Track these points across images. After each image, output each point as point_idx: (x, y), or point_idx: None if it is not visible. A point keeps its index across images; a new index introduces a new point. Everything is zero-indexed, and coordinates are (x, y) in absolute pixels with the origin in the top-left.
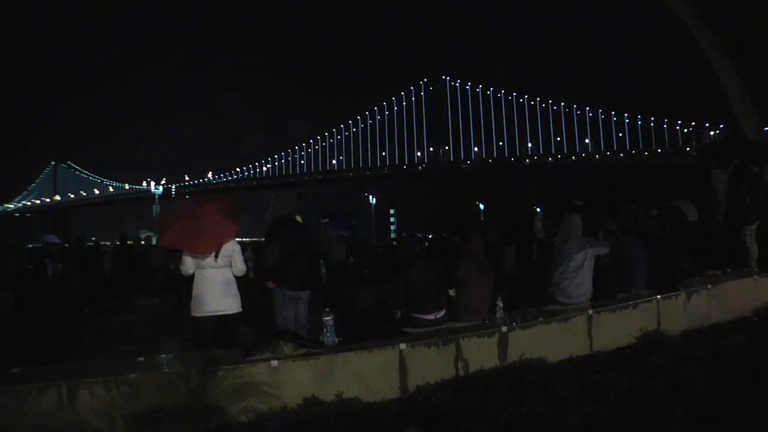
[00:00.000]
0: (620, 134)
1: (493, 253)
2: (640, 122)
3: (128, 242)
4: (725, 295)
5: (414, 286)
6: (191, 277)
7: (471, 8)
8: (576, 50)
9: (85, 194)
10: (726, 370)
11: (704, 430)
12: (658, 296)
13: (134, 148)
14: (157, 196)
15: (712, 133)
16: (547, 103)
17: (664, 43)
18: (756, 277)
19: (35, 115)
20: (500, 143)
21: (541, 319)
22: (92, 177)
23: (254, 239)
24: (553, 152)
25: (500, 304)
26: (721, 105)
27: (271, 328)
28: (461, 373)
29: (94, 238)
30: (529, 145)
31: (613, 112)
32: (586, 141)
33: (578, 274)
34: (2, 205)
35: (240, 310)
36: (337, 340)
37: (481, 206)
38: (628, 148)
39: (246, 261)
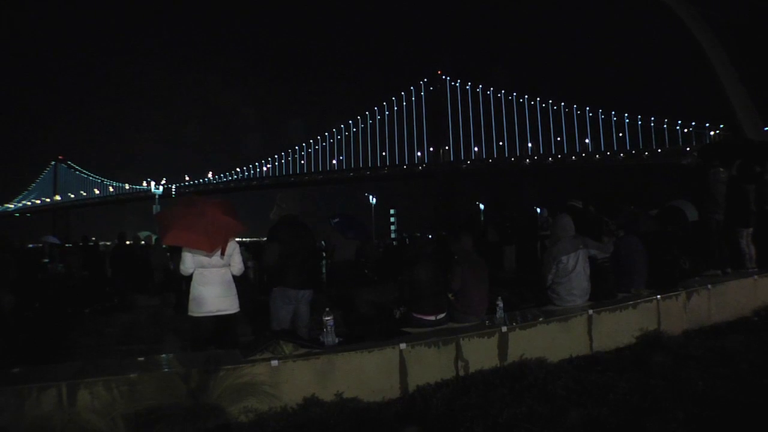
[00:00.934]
0: (620, 134)
1: (493, 253)
2: (640, 122)
3: (127, 242)
4: (725, 295)
5: (417, 286)
6: (190, 277)
7: (471, 8)
8: (576, 50)
9: (85, 194)
10: (726, 370)
11: (704, 430)
12: (658, 296)
13: (134, 148)
14: (157, 196)
15: (712, 133)
16: (547, 103)
17: (664, 43)
18: (756, 277)
19: (35, 115)
20: (500, 143)
21: (541, 319)
22: (92, 177)
23: (254, 239)
24: (553, 152)
25: (500, 304)
26: (721, 105)
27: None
28: (461, 373)
29: (94, 238)
30: (529, 145)
31: (613, 112)
32: (586, 141)
33: (572, 278)
34: (2, 205)
35: (239, 310)
36: (337, 340)
37: (482, 206)
38: (628, 148)
39: (245, 261)
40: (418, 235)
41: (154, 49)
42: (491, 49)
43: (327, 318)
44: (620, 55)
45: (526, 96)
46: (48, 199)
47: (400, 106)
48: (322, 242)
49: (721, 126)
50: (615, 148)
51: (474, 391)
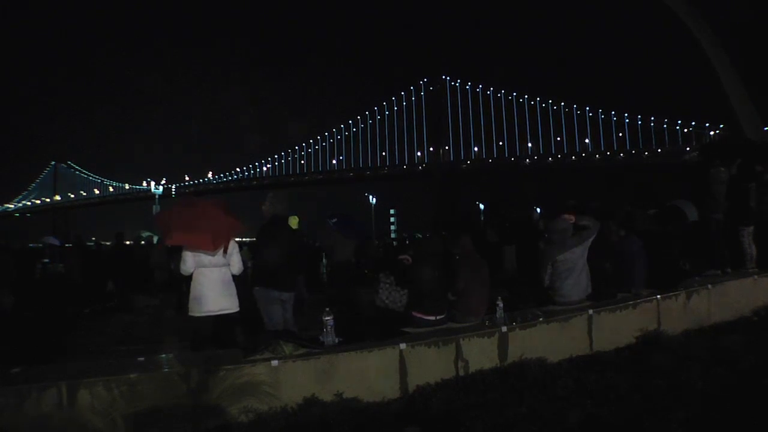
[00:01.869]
0: (620, 134)
1: (493, 253)
2: (640, 122)
3: (126, 242)
4: (725, 295)
5: (420, 285)
6: (191, 277)
7: (471, 8)
8: (576, 50)
9: (85, 194)
10: (726, 370)
11: (705, 430)
12: (658, 296)
13: (134, 148)
14: (157, 196)
15: (712, 133)
16: (547, 103)
17: (664, 43)
18: (756, 277)
19: (35, 115)
20: (500, 143)
21: (541, 319)
22: (92, 177)
23: (253, 239)
24: (553, 152)
25: (500, 304)
26: (721, 105)
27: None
28: (461, 373)
29: (94, 238)
30: (529, 145)
31: (613, 112)
32: (586, 141)
33: (572, 274)
34: (2, 205)
35: (239, 309)
36: (337, 340)
37: (481, 206)
38: (628, 148)
39: (245, 261)
40: (420, 236)
41: (154, 49)
42: (491, 49)
43: (327, 318)
44: (620, 55)
45: (526, 96)
46: (48, 199)
47: (400, 106)
48: (316, 243)
49: (721, 126)
50: (615, 148)
51: (474, 391)
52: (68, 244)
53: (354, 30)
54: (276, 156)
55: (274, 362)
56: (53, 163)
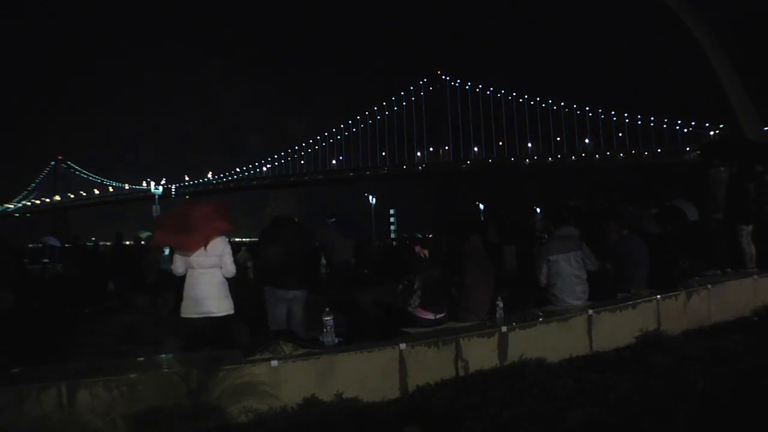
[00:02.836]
0: (620, 134)
1: (492, 253)
2: (640, 122)
3: (125, 242)
4: (725, 295)
5: (422, 285)
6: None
7: (471, 8)
8: (576, 50)
9: (85, 194)
10: (726, 370)
11: (704, 430)
12: (658, 296)
13: (134, 148)
14: (157, 196)
15: (712, 133)
16: (547, 103)
17: (663, 43)
18: (756, 277)
19: (35, 115)
20: (500, 143)
21: (541, 319)
22: (92, 177)
23: (253, 240)
24: (553, 152)
25: (500, 304)
26: (721, 105)
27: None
28: (461, 373)
29: (93, 238)
30: (529, 145)
31: (613, 112)
32: (586, 141)
33: (565, 279)
34: (2, 205)
35: (232, 312)
36: (337, 340)
37: (481, 206)
38: (628, 148)
39: (245, 261)
40: (420, 236)
41: (154, 49)
42: (491, 49)
43: (327, 318)
44: (620, 55)
45: (526, 96)
46: (48, 199)
47: (400, 106)
48: (316, 242)
49: (721, 126)
50: (615, 148)
51: (474, 391)
52: (68, 244)
53: (354, 30)
54: (276, 156)
55: (274, 362)
56: (53, 163)
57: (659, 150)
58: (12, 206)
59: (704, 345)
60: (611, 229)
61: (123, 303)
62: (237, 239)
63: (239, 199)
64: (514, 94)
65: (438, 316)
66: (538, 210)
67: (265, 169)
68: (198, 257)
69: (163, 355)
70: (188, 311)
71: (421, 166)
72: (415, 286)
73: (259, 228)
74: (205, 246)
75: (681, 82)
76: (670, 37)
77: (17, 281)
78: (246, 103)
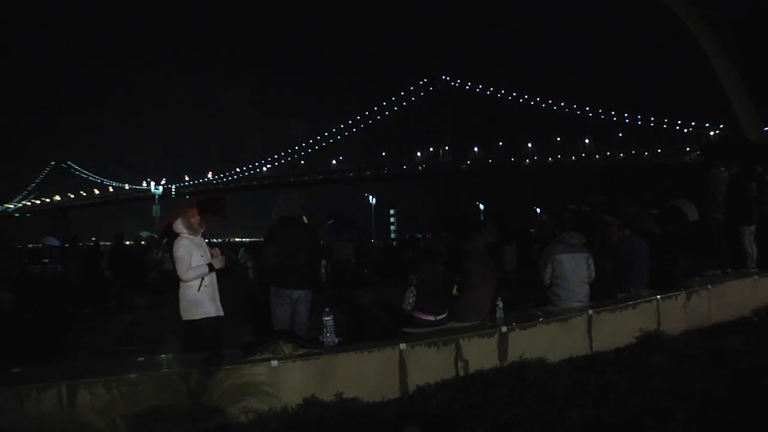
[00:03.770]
0: (620, 134)
1: (492, 253)
2: (640, 122)
3: (125, 242)
4: (725, 295)
5: (422, 285)
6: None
7: (471, 8)
8: (576, 50)
9: (85, 194)
10: (726, 370)
11: (704, 430)
12: (658, 296)
13: (134, 148)
14: (157, 196)
15: (712, 133)
16: (547, 103)
17: (663, 43)
18: (756, 277)
19: (35, 115)
20: (500, 143)
21: (541, 319)
22: (92, 177)
23: (253, 239)
24: (553, 152)
25: (500, 304)
26: (721, 105)
27: (271, 328)
28: (461, 373)
29: (93, 238)
30: (529, 145)
31: (613, 112)
32: (586, 141)
33: (569, 279)
34: (2, 205)
35: (221, 314)
36: (337, 340)
37: (481, 206)
38: (628, 148)
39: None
40: (420, 236)
41: (154, 49)
42: (491, 49)
43: (327, 318)
44: (620, 55)
45: (526, 96)
46: (48, 199)
47: (400, 106)
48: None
49: (721, 126)
50: (615, 148)
51: (474, 391)
52: (67, 244)
53: (354, 30)
54: (276, 156)
55: (274, 362)
56: (53, 163)
57: (659, 150)
58: (12, 206)
59: (704, 345)
60: (612, 228)
61: (123, 303)
62: (237, 239)
63: (240, 199)
64: (514, 94)
65: (439, 318)
66: (538, 210)
67: (265, 169)
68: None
69: (163, 355)
70: (199, 313)
71: (421, 166)
72: (413, 284)
73: (258, 228)
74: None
75: (681, 82)
76: (670, 37)
77: (17, 281)
78: (246, 103)
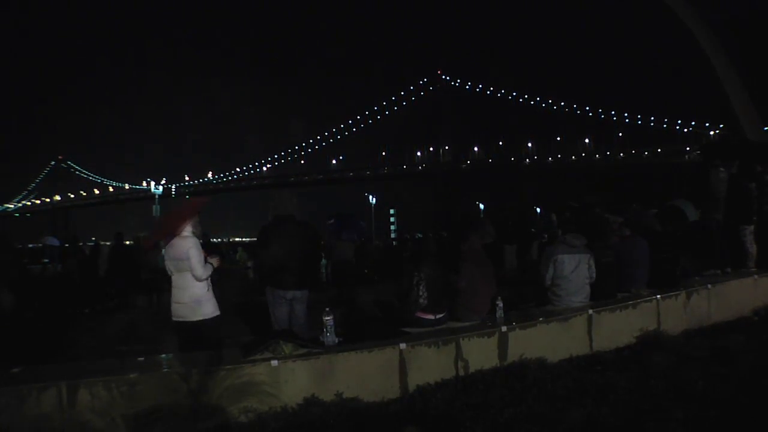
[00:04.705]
0: (620, 134)
1: (493, 253)
2: (640, 122)
3: (125, 242)
4: (725, 295)
5: (430, 284)
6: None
7: (471, 8)
8: (576, 50)
9: (85, 194)
10: (726, 370)
11: (704, 430)
12: (658, 296)
13: (134, 148)
14: (157, 196)
15: (712, 133)
16: (547, 103)
17: (664, 43)
18: (756, 277)
19: (35, 115)
20: (500, 143)
21: (541, 319)
22: (92, 177)
23: (253, 239)
24: (553, 152)
25: (500, 304)
26: (721, 105)
27: (270, 328)
28: (461, 373)
29: (93, 238)
30: (529, 145)
31: (613, 112)
32: (586, 141)
33: (571, 279)
34: (2, 205)
35: (210, 317)
36: (337, 340)
37: (481, 206)
38: (628, 147)
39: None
40: (420, 236)
41: (154, 49)
42: (491, 48)
43: (327, 318)
44: (620, 54)
45: (526, 96)
46: (48, 199)
47: (399, 106)
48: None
49: (721, 126)
50: (615, 148)
51: (474, 391)
52: (68, 244)
53: (354, 30)
54: (276, 156)
55: (274, 362)
56: (53, 163)
57: (659, 150)
58: (12, 206)
59: (704, 345)
60: (612, 227)
61: (122, 303)
62: (237, 239)
63: (240, 199)
64: (514, 94)
65: (438, 317)
66: (538, 210)
67: (265, 169)
68: (168, 260)
69: (163, 355)
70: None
71: (421, 166)
72: (420, 283)
73: (258, 228)
74: (162, 247)
75: (681, 82)
76: (670, 37)
77: (17, 281)
78: (246, 103)
